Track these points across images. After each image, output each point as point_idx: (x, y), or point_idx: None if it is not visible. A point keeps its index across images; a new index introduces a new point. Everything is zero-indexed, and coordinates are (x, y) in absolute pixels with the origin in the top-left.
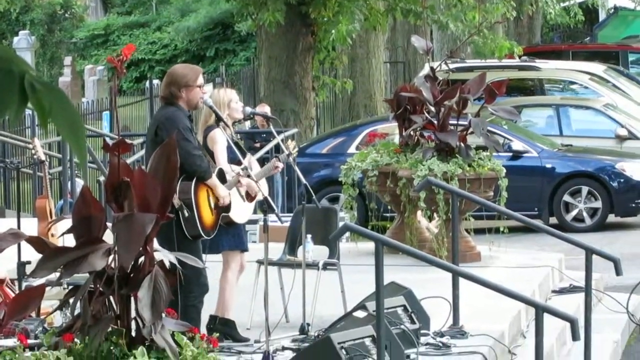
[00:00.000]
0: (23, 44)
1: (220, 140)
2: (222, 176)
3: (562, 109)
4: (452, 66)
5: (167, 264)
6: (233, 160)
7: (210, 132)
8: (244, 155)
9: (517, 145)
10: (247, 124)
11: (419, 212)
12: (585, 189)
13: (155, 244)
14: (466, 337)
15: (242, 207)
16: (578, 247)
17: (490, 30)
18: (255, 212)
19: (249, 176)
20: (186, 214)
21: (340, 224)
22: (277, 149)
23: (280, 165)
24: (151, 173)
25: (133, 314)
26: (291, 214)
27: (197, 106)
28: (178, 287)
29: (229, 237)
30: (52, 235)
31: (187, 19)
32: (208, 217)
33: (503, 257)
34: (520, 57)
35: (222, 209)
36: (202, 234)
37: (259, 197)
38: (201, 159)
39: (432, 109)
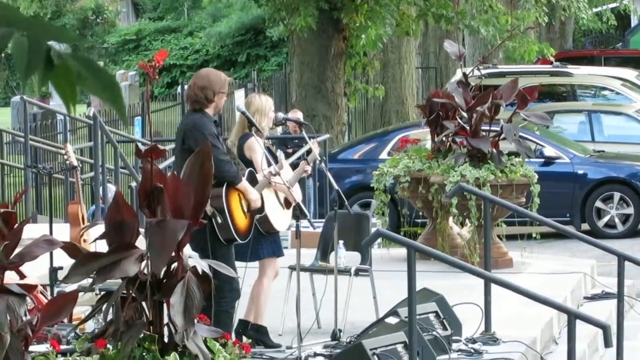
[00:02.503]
0: None
1: (258, 149)
2: (252, 178)
3: (594, 115)
4: (484, 72)
5: (200, 271)
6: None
7: (247, 141)
8: (275, 160)
9: (549, 151)
10: (279, 129)
11: (450, 218)
12: (617, 195)
13: (189, 250)
14: (498, 343)
15: (282, 215)
16: (610, 254)
17: (523, 34)
18: None
19: (279, 176)
20: (219, 221)
21: (372, 229)
22: (309, 154)
23: (309, 167)
24: (184, 179)
25: (165, 320)
26: (323, 220)
27: (220, 111)
28: (211, 293)
29: (268, 244)
30: (85, 241)
31: (218, 24)
32: (242, 221)
33: (535, 263)
34: (552, 62)
35: (255, 212)
36: (237, 238)
37: (294, 203)
38: (230, 164)
39: (465, 114)
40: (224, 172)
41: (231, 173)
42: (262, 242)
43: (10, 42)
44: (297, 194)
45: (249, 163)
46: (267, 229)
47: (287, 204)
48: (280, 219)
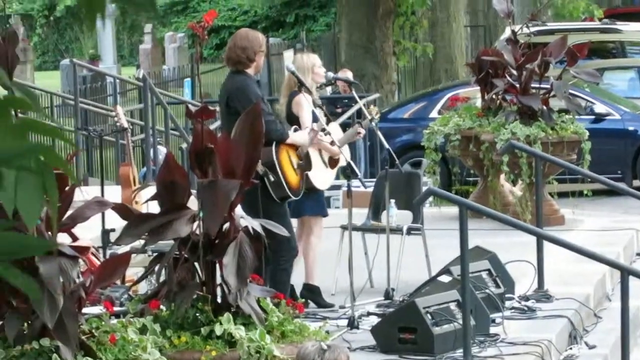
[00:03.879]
0: None
1: (305, 106)
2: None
3: None
4: (533, 29)
5: (252, 231)
6: None
7: (295, 97)
8: (327, 120)
9: (599, 108)
10: (329, 89)
11: (502, 176)
12: None
13: (241, 210)
14: (551, 300)
15: (325, 174)
16: None
17: None
18: (338, 177)
19: (332, 143)
20: (272, 179)
21: (424, 188)
22: (359, 114)
23: (363, 131)
24: (235, 139)
25: (218, 280)
26: (374, 179)
27: (260, 71)
28: (267, 251)
29: (311, 202)
30: (136, 203)
31: None
32: (293, 177)
33: (587, 220)
34: (600, 19)
35: (304, 169)
36: (290, 195)
37: (342, 163)
38: (275, 123)
39: (514, 72)
40: (270, 131)
41: (278, 131)
42: (304, 199)
43: None
44: (345, 153)
45: (297, 120)
46: (308, 187)
47: (331, 163)
48: (322, 178)
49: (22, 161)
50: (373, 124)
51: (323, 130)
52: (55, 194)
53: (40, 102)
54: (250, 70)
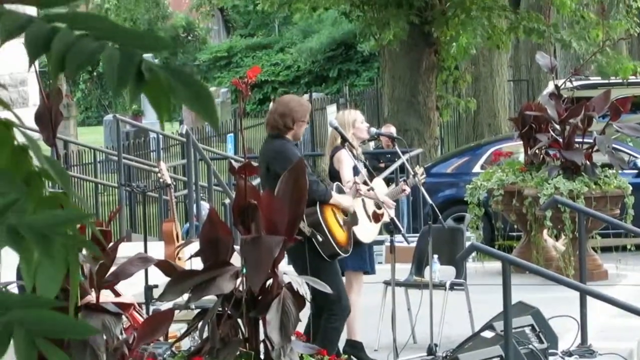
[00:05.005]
0: None
1: (346, 161)
2: (340, 192)
3: None
4: (576, 84)
5: (298, 289)
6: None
7: (336, 153)
8: (371, 175)
9: None
10: (372, 144)
11: (545, 231)
12: None
13: (285, 266)
14: (595, 356)
15: (368, 227)
16: None
17: (614, 48)
18: (381, 232)
19: (373, 191)
20: (320, 239)
21: (467, 243)
22: (402, 169)
23: (408, 189)
24: (279, 195)
25: (262, 336)
26: (417, 235)
27: (300, 139)
28: (316, 309)
29: (353, 257)
30: (180, 259)
31: (309, 40)
32: (340, 234)
33: (630, 275)
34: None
35: (351, 224)
36: (340, 252)
37: (385, 218)
38: (317, 183)
39: (557, 127)
40: (311, 192)
41: (320, 192)
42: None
43: (102, 57)
44: (388, 209)
45: (339, 175)
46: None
47: (375, 217)
48: (365, 231)
49: (67, 229)
50: (416, 179)
51: (365, 184)
52: (76, 278)
53: (84, 159)
54: (289, 136)
